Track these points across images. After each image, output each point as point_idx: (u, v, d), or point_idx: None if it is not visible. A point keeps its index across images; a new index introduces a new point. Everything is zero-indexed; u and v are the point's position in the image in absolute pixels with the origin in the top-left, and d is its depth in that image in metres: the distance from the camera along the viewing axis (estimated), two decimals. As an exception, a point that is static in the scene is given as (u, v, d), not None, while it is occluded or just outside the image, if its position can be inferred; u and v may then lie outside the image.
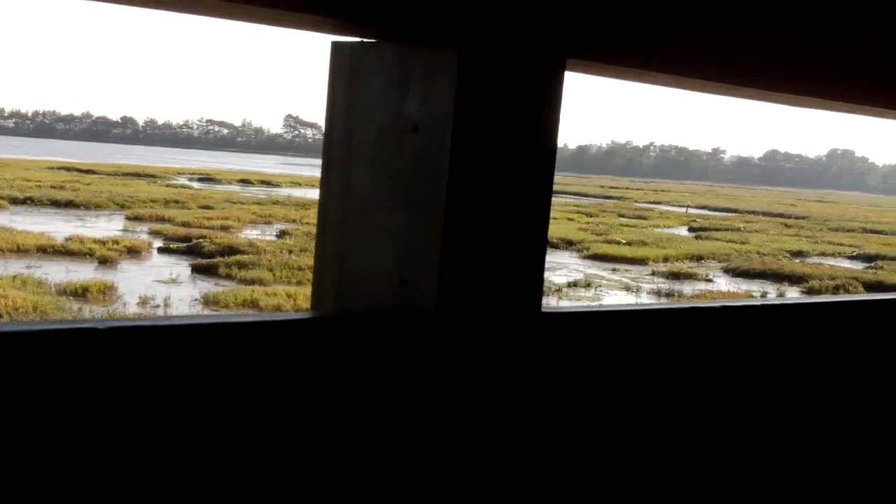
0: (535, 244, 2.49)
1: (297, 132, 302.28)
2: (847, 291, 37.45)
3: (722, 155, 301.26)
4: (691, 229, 67.45)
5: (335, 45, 2.37)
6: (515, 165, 2.38)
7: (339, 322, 2.23)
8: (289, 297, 27.29)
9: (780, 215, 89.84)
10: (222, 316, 2.04)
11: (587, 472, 2.62)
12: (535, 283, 2.47)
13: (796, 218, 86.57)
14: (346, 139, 2.35)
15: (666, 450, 2.79)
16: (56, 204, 53.51)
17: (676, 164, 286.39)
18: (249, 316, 2.03)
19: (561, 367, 2.55)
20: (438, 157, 2.25)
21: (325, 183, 2.41)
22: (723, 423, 2.93)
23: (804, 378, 3.15)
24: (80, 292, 26.52)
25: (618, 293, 34.96)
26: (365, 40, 2.31)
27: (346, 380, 2.11)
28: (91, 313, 23.58)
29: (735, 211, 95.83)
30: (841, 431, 3.28)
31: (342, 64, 2.37)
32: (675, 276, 40.49)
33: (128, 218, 48.54)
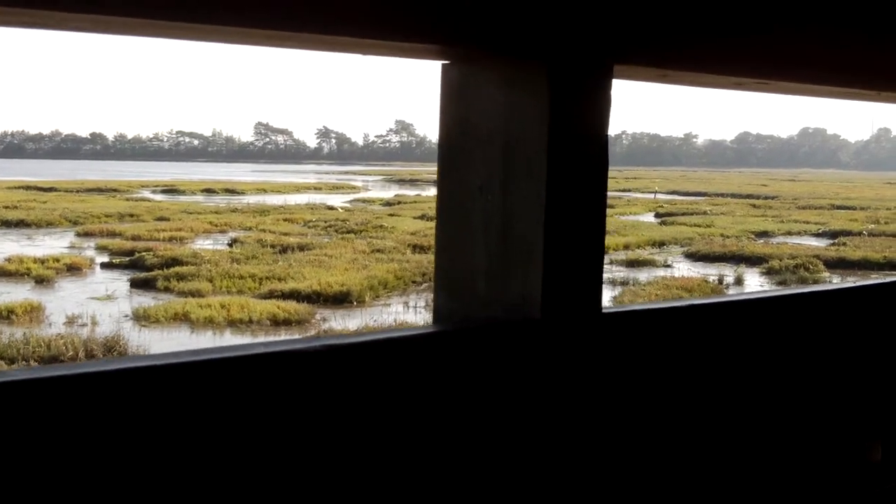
0: (596, 244, 2.82)
1: (268, 139, 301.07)
2: (806, 270, 36.79)
3: (694, 140, 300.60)
4: (657, 215, 66.95)
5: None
6: (580, 170, 2.72)
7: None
8: (222, 308, 26.39)
9: (750, 196, 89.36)
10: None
11: None
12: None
13: (766, 198, 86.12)
14: None
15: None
16: (6, 224, 52.46)
17: (649, 150, 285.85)
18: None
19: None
20: None
21: None
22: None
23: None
24: (6, 314, 25.60)
25: (572, 284, 34.14)
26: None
27: None
28: (11, 336, 22.62)
29: (705, 194, 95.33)
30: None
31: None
32: (634, 263, 39.81)
33: (77, 234, 47.66)
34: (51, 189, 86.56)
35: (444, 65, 2.77)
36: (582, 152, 2.77)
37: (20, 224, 52.57)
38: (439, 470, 2.55)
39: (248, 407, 2.14)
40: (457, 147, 2.81)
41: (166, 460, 2.04)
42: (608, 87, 2.82)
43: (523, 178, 2.70)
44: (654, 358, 3.16)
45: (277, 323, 25.52)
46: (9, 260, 35.79)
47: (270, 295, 29.04)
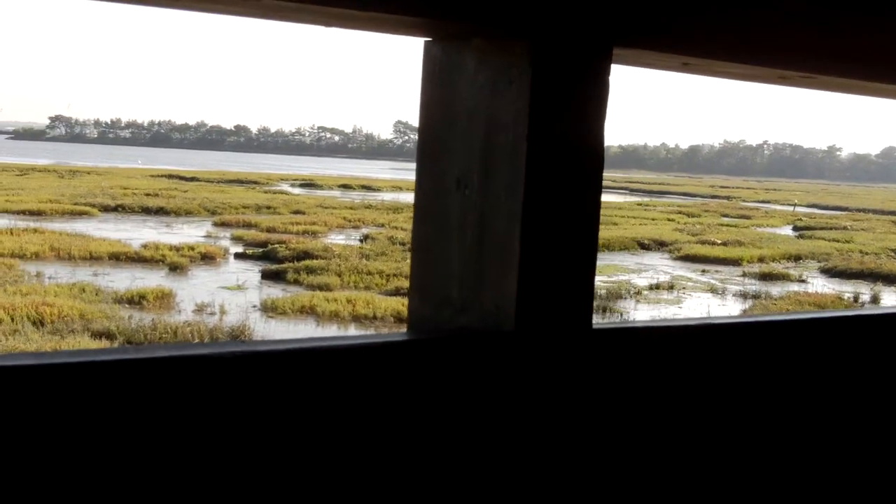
0: (585, 252, 2.47)
1: (406, 137, 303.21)
2: (947, 291, 35.64)
3: (838, 153, 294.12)
4: (795, 228, 65.63)
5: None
6: (567, 165, 2.39)
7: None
8: (348, 303, 26.59)
9: (893, 213, 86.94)
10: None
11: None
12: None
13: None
14: None
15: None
16: (147, 211, 53.75)
17: (791, 162, 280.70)
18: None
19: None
20: None
21: None
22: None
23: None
24: (137, 300, 26.15)
25: (702, 295, 33.62)
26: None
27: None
28: (140, 321, 23.09)
29: (846, 209, 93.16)
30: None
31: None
32: (767, 276, 38.99)
33: (214, 224, 48.53)
34: (193, 178, 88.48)
35: (426, 42, 2.49)
36: (570, 144, 2.43)
37: (160, 211, 53.81)
38: (399, 487, 2.34)
39: (218, 408, 2.03)
40: (436, 134, 2.51)
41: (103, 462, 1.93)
42: (605, 72, 2.47)
43: (502, 171, 2.39)
44: (655, 384, 2.78)
45: (401, 320, 25.59)
46: (145, 246, 36.60)
47: (396, 292, 29.16)
